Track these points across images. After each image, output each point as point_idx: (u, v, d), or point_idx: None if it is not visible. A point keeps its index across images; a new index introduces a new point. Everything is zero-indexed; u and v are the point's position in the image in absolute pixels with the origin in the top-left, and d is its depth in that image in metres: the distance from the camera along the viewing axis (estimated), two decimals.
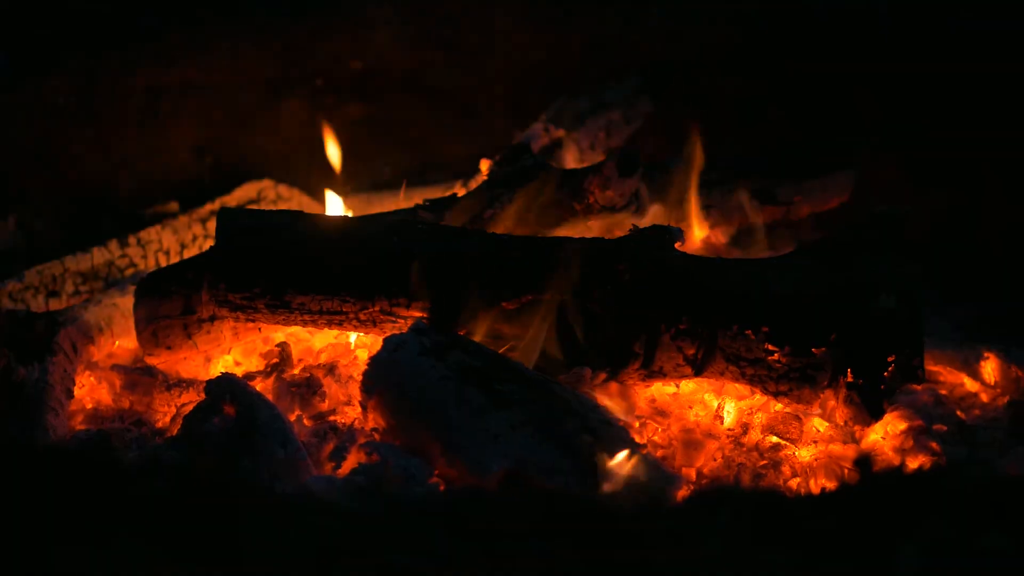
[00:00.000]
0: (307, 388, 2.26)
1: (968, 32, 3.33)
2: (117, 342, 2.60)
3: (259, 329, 2.50)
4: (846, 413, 2.17)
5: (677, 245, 2.29)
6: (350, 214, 2.92)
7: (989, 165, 3.31)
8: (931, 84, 3.41)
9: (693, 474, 2.10)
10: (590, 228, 2.59)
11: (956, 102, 3.36)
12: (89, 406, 2.39)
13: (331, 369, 2.33)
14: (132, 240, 3.12)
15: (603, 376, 2.18)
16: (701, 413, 2.28)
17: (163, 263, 3.13)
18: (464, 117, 3.99)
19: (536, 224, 2.57)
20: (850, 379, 2.15)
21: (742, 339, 2.16)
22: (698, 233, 2.94)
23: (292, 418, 2.19)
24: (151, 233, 3.17)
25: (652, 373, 2.21)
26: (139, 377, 2.38)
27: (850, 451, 2.12)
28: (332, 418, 2.22)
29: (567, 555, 1.00)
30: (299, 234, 2.27)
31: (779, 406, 2.23)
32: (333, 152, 3.20)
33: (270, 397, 2.20)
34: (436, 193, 3.17)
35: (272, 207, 3.45)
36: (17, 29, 3.64)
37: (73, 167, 3.75)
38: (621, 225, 2.57)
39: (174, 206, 3.53)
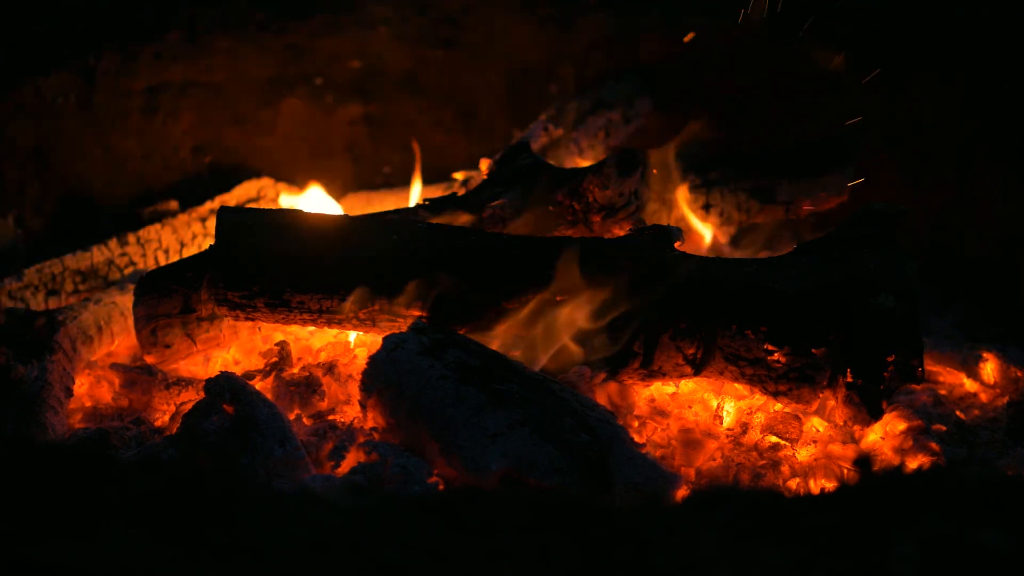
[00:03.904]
0: (306, 387, 2.26)
1: (968, 31, 3.33)
2: (116, 341, 2.60)
3: (259, 328, 2.50)
4: (845, 413, 2.17)
5: (677, 245, 2.29)
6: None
7: (987, 165, 3.31)
8: (931, 84, 3.41)
9: (692, 474, 2.09)
10: (590, 228, 2.59)
11: (955, 102, 3.36)
12: (88, 404, 2.39)
13: (330, 368, 2.33)
14: (132, 239, 3.12)
15: (602, 376, 2.18)
16: (700, 413, 2.28)
17: (163, 262, 3.13)
18: (464, 116, 3.99)
19: (536, 224, 2.57)
20: (849, 379, 2.15)
21: (741, 339, 2.16)
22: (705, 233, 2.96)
23: (291, 417, 2.19)
24: (150, 232, 3.18)
25: (651, 373, 2.21)
26: (138, 375, 2.38)
27: (849, 451, 2.12)
28: (331, 417, 2.22)
29: (565, 554, 1.00)
30: (298, 233, 2.27)
31: (778, 406, 2.23)
32: None
33: (269, 396, 2.20)
34: (436, 192, 3.17)
35: (272, 206, 3.45)
36: (16, 27, 3.64)
37: (72, 166, 3.74)
38: (621, 225, 2.57)
39: (174, 205, 3.54)
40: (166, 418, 2.31)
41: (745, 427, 2.22)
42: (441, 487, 1.83)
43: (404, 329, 2.12)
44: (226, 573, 0.90)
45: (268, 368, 2.37)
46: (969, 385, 2.46)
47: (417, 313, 2.21)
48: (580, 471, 1.76)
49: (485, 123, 3.84)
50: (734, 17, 3.39)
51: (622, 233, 2.47)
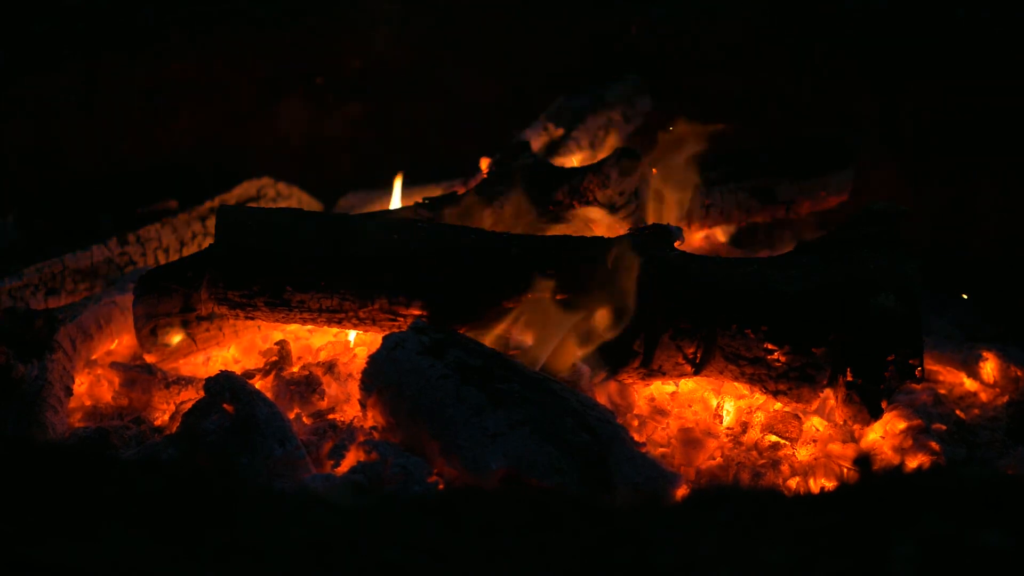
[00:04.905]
0: (306, 386, 2.26)
1: (968, 31, 3.33)
2: (116, 340, 2.60)
3: (259, 327, 2.50)
4: (845, 412, 2.17)
5: (677, 244, 2.29)
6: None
7: (987, 165, 3.32)
8: (931, 84, 3.41)
9: (692, 473, 2.09)
10: (590, 227, 2.59)
11: (955, 101, 3.36)
12: (88, 403, 2.39)
13: (330, 367, 2.33)
14: (131, 238, 3.12)
15: (602, 375, 2.18)
16: (700, 412, 2.28)
17: (162, 261, 3.13)
18: (464, 115, 3.99)
19: (536, 223, 2.57)
20: (849, 378, 2.15)
21: (741, 338, 2.16)
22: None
23: (291, 416, 2.19)
24: (150, 231, 3.18)
25: (651, 372, 2.21)
26: (138, 375, 2.38)
27: (849, 450, 2.12)
28: (331, 416, 2.22)
29: (565, 554, 1.00)
30: (298, 232, 2.27)
31: (778, 405, 2.23)
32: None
33: (269, 395, 2.20)
34: (436, 191, 3.17)
35: (272, 205, 3.45)
36: (16, 27, 3.64)
37: (72, 165, 3.75)
38: (621, 224, 2.57)
39: (173, 204, 3.53)
40: (166, 417, 2.31)
41: (745, 426, 2.22)
42: (441, 487, 1.83)
43: (404, 328, 2.12)
44: (226, 573, 0.90)
45: (268, 367, 2.37)
46: (969, 384, 2.46)
47: (417, 312, 2.21)
48: (580, 471, 1.76)
49: (485, 122, 3.84)
50: (734, 17, 3.40)
51: (622, 232, 2.47)
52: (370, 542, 0.97)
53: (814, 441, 2.17)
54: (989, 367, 2.43)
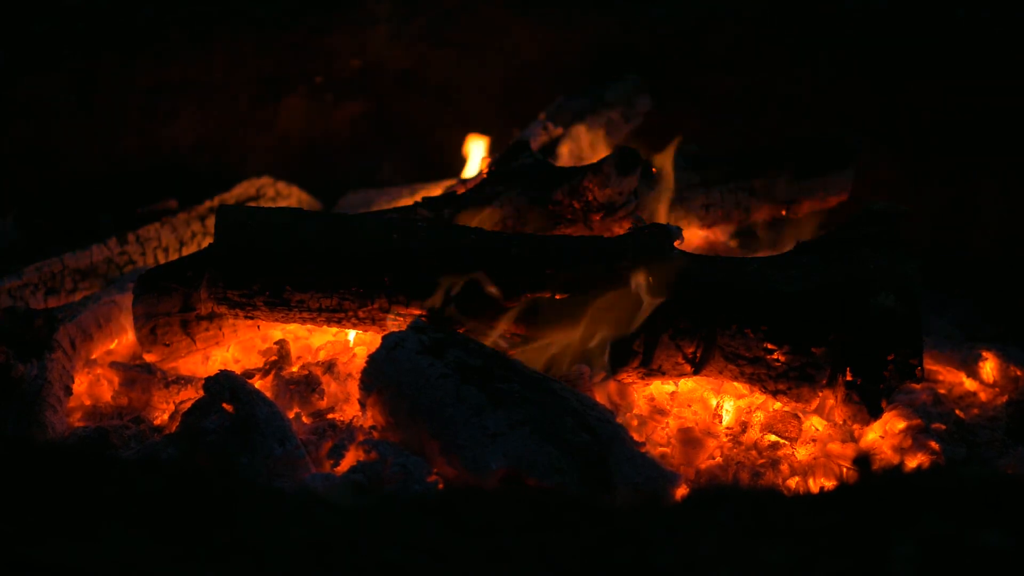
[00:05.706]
0: (306, 386, 2.26)
1: (968, 31, 3.33)
2: (116, 339, 2.60)
3: (258, 327, 2.50)
4: (845, 412, 2.17)
5: (676, 243, 2.29)
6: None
7: (987, 165, 3.32)
8: (931, 84, 3.41)
9: (692, 473, 2.10)
10: (590, 227, 2.59)
11: (955, 102, 3.36)
12: (88, 403, 2.39)
13: (330, 367, 2.33)
14: (131, 238, 3.12)
15: (602, 375, 2.18)
16: (700, 412, 2.28)
17: (162, 260, 3.13)
18: (463, 115, 3.99)
19: (536, 223, 2.57)
20: (849, 378, 2.15)
21: (741, 338, 2.16)
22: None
23: (291, 416, 2.19)
24: (150, 231, 3.18)
25: (651, 371, 2.21)
26: (138, 374, 2.38)
27: (849, 450, 2.12)
28: (331, 416, 2.22)
29: (565, 554, 1.00)
30: (298, 232, 2.27)
31: (778, 405, 2.23)
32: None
33: (269, 395, 2.20)
34: (435, 191, 3.18)
35: (271, 204, 3.45)
36: (16, 27, 3.64)
37: (72, 164, 3.75)
38: (621, 223, 2.57)
39: (173, 204, 3.54)
40: (165, 417, 2.31)
41: (745, 426, 2.22)
42: (441, 487, 1.83)
43: (404, 328, 2.12)
44: (226, 573, 0.90)
45: (267, 367, 2.37)
46: (969, 384, 2.46)
47: (417, 312, 2.20)
48: (580, 471, 1.76)
49: (485, 122, 3.84)
50: (734, 17, 3.39)
51: (622, 232, 2.47)
52: (370, 542, 0.97)
53: (814, 441, 2.17)
54: (989, 367, 2.43)
